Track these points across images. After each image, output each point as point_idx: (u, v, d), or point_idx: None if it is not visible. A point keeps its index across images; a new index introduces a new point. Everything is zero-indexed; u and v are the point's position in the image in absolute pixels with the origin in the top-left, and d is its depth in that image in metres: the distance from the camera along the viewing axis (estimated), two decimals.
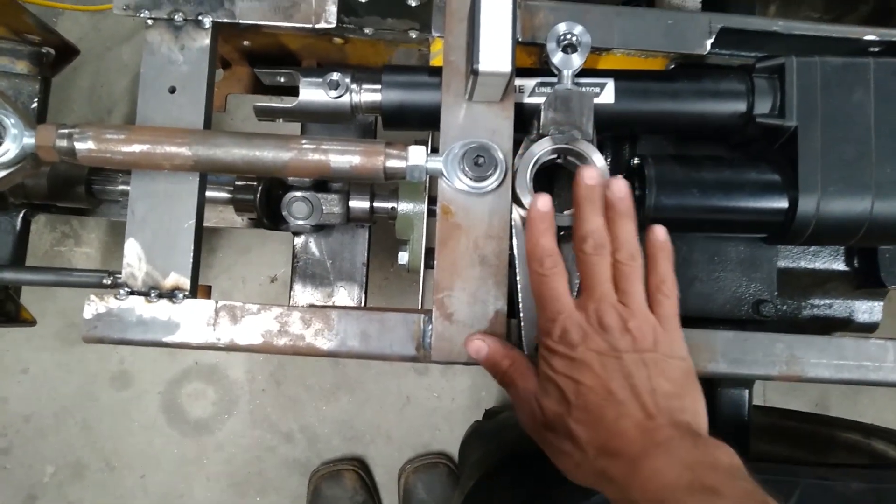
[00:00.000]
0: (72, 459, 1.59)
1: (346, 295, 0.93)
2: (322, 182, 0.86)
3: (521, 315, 0.66)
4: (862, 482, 0.70)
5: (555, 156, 0.66)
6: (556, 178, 0.73)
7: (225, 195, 0.93)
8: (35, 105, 0.91)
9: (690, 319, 0.60)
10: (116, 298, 0.67)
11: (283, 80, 0.79)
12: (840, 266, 0.84)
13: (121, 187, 0.95)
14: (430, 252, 0.82)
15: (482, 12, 0.59)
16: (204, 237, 0.71)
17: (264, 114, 0.73)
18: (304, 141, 0.63)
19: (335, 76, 0.70)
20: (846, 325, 0.86)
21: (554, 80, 0.67)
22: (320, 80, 0.70)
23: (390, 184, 0.86)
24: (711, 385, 0.80)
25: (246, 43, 0.81)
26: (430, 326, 0.66)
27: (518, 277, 0.65)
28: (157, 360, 1.61)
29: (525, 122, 0.68)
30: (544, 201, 0.60)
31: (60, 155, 0.62)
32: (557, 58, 0.66)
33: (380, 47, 0.81)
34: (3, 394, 1.59)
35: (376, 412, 1.62)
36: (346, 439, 1.61)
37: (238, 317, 0.67)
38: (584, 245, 0.58)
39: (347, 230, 0.94)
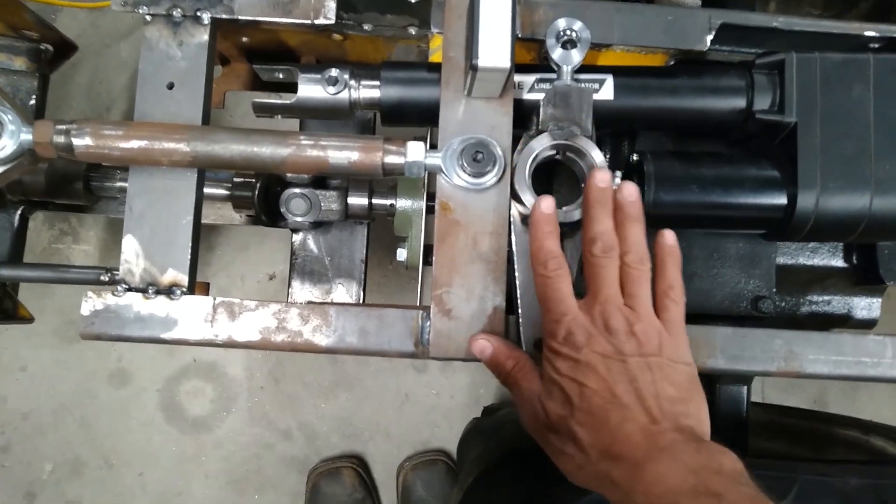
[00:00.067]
0: (70, 457, 1.59)
1: (344, 292, 0.93)
2: (321, 179, 0.86)
3: (520, 311, 0.65)
4: (860, 478, 0.70)
5: (554, 152, 0.66)
6: (555, 174, 0.72)
7: (223, 192, 0.93)
8: (33, 101, 0.91)
9: (689, 315, 0.60)
10: (114, 295, 0.67)
11: (281, 76, 0.78)
12: (839, 262, 0.84)
13: (119, 184, 0.95)
14: (428, 248, 0.82)
15: (481, 8, 0.59)
16: (202, 234, 0.71)
17: (263, 110, 0.73)
18: (302, 137, 0.63)
19: (334, 72, 0.70)
20: (845, 322, 0.86)
21: (553, 76, 0.67)
22: (319, 76, 0.70)
23: (389, 180, 0.86)
24: (710, 381, 0.80)
25: (245, 39, 0.81)
26: (428, 323, 0.66)
27: (517, 274, 0.65)
28: (155, 357, 1.61)
29: (524, 119, 0.68)
30: (548, 203, 0.60)
31: (58, 151, 0.62)
32: (557, 54, 0.66)
33: (379, 44, 0.81)
34: (1, 391, 1.59)
35: (375, 409, 1.62)
36: (344, 437, 1.61)
37: (236, 313, 0.67)
38: (593, 247, 0.58)
39: (346, 227, 0.94)
